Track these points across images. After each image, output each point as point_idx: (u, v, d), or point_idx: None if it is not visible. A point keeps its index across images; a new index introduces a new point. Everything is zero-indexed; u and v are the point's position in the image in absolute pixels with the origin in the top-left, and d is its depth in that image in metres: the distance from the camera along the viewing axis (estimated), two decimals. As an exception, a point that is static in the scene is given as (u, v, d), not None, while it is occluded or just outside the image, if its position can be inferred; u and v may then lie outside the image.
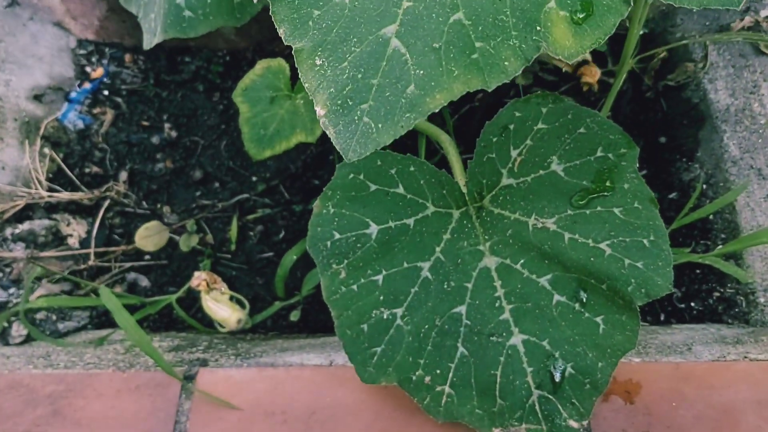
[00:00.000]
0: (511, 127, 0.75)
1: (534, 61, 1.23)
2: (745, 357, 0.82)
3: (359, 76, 0.40)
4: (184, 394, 0.81)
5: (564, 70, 1.24)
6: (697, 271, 1.02)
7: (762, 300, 0.97)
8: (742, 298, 0.98)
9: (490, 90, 0.40)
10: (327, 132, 0.40)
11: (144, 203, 1.14)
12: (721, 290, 1.00)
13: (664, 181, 1.13)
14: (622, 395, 0.79)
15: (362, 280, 0.73)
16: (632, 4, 0.39)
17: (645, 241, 0.70)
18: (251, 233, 1.12)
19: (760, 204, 1.02)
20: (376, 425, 0.77)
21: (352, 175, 0.74)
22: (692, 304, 1.00)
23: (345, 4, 0.42)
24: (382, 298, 0.73)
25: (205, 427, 0.79)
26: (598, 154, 0.74)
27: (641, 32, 1.26)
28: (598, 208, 0.73)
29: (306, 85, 0.41)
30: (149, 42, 0.94)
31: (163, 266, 1.08)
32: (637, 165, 0.74)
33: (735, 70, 1.14)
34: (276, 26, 0.42)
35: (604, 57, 1.26)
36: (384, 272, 0.73)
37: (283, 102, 0.93)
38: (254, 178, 1.17)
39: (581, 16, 0.39)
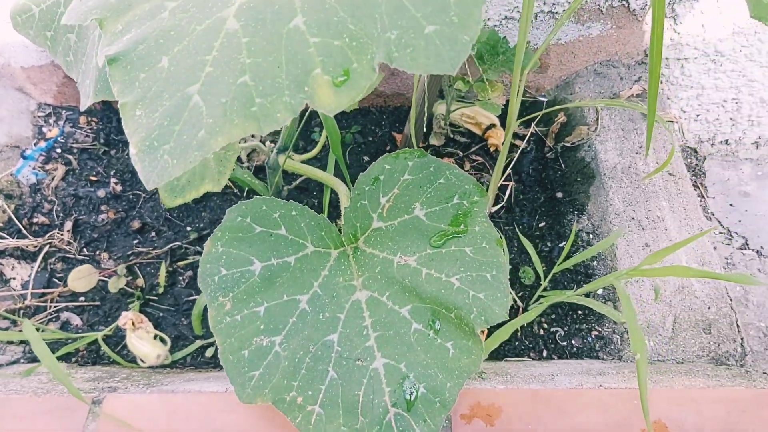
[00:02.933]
0: (382, 177, 0.87)
1: (447, 124, 1.35)
2: (600, 386, 0.91)
3: (166, 123, 0.51)
4: (91, 416, 0.89)
5: (475, 132, 1.36)
6: (579, 312, 1.12)
7: (637, 338, 1.06)
8: (617, 336, 1.07)
9: (263, 134, 0.51)
10: (135, 166, 0.51)
11: (84, 250, 1.24)
12: (600, 329, 1.09)
13: (557, 231, 1.24)
14: (484, 418, 0.88)
15: (245, 311, 0.82)
16: (377, 71, 0.51)
17: (488, 275, 0.80)
18: (181, 278, 1.21)
19: (638, 251, 1.12)
20: (258, 443, 0.85)
21: (239, 218, 0.85)
22: (573, 342, 1.09)
23: (164, 68, 0.53)
24: (262, 327, 0.82)
25: (106, 447, 0.87)
26: (455, 201, 0.85)
27: (545, 99, 1.39)
28: (453, 248, 0.83)
29: (126, 131, 0.52)
30: (84, 104, 1.06)
31: (95, 307, 1.17)
32: (487, 210, 0.84)
33: (624, 132, 1.27)
34: (111, 85, 0.54)
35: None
36: (266, 304, 0.83)
37: (196, 157, 1.04)
38: (188, 228, 1.28)
39: (341, 79, 0.51)
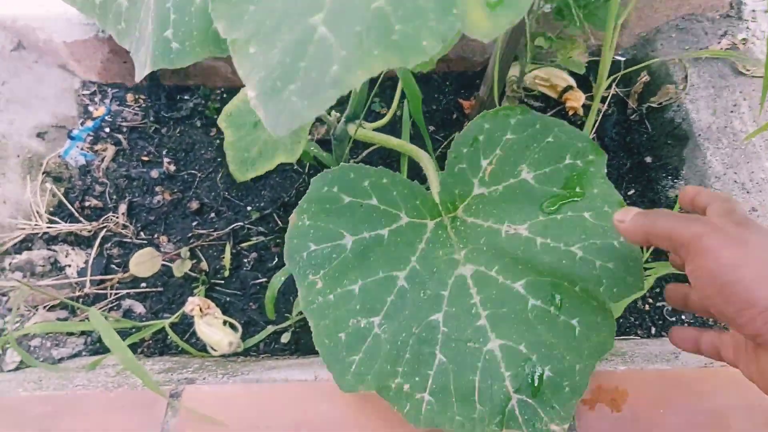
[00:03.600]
0: (481, 138, 0.77)
1: (520, 88, 1.26)
2: (732, 363, 0.81)
3: (288, 60, 0.42)
4: (170, 411, 0.82)
5: (550, 95, 1.27)
6: (686, 284, 1.02)
7: (753, 311, 0.96)
8: (732, 309, 0.97)
9: (409, 67, 0.42)
10: (257, 112, 0.42)
11: (141, 234, 1.17)
12: (712, 302, 0.99)
13: (650, 198, 1.14)
14: (609, 403, 0.79)
15: (339, 290, 0.74)
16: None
17: (615, 242, 0.71)
18: (245, 260, 1.14)
19: (746, 216, 1.02)
20: (358, 437, 0.77)
21: (326, 188, 0.76)
22: (683, 317, 1.00)
23: (278, -3, 0.45)
24: (358, 307, 0.73)
25: (189, 444, 0.79)
26: (567, 161, 0.75)
27: (623, 58, 1.29)
28: (569, 213, 0.74)
29: (240, 72, 0.44)
30: (140, 74, 0.98)
31: (158, 293, 1.10)
32: (605, 170, 0.75)
33: (715, 90, 1.16)
34: (215, 23, 0.46)
35: (589, 83, 1.29)
36: (360, 282, 0.74)
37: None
38: (249, 208, 1.20)
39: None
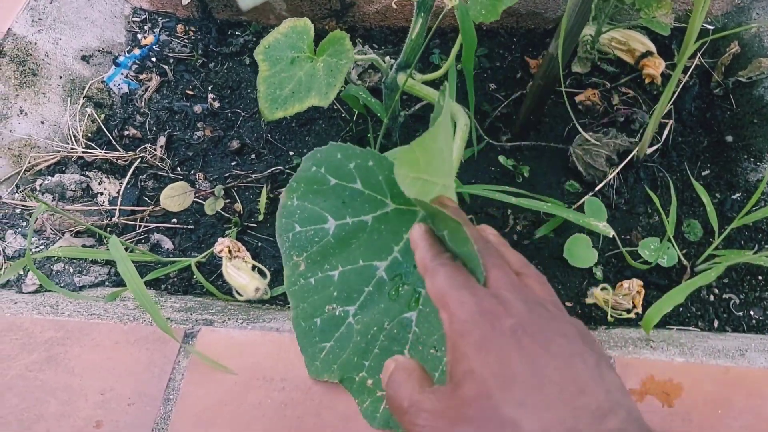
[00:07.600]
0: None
1: (594, 49, 1.15)
2: (809, 367, 0.72)
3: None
4: (183, 352, 0.77)
5: (626, 60, 1.16)
6: (759, 277, 0.92)
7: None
8: (809, 309, 0.87)
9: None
10: None
11: (178, 169, 1.14)
12: (787, 299, 0.90)
13: (728, 181, 1.04)
14: (660, 396, 0.71)
15: (319, 274, 0.71)
16: None
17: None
18: (282, 206, 1.08)
19: (837, 207, 0.91)
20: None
21: (314, 168, 0.71)
22: (751, 312, 0.90)
23: None
24: (336, 294, 0.70)
25: (199, 387, 0.75)
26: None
27: (713, 27, 1.18)
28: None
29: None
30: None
31: (188, 231, 1.06)
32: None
33: (816, 66, 1.04)
34: None
35: (671, 51, 1.17)
36: (340, 268, 0.70)
37: (303, 64, 0.89)
38: (291, 153, 1.14)
39: None
